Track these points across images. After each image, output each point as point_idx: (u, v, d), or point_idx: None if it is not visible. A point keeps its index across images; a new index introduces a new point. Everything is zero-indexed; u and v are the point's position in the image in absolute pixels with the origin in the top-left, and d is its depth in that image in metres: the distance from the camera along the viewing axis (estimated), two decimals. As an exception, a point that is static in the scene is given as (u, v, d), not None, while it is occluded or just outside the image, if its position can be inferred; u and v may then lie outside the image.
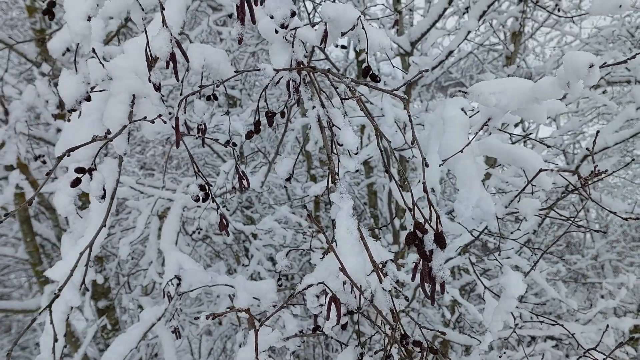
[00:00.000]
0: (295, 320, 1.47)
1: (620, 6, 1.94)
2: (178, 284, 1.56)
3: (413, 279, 1.01)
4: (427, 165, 0.94)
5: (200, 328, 3.67)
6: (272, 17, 1.05)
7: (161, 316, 2.02)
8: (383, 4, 3.65)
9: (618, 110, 3.99)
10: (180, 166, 9.04)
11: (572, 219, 1.55)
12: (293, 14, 1.04)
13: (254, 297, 1.51)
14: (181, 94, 1.64)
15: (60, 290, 1.11)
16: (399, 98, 1.01)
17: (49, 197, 4.05)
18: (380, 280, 0.98)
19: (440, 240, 0.84)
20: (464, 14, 2.77)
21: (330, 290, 0.94)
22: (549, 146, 2.04)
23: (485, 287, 1.65)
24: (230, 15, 1.90)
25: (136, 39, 1.50)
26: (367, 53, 1.08)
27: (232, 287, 1.55)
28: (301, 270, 6.10)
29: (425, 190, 0.90)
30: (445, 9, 2.62)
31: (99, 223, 1.28)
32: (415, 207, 0.89)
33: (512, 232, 2.64)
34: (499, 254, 1.72)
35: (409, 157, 1.73)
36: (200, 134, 1.41)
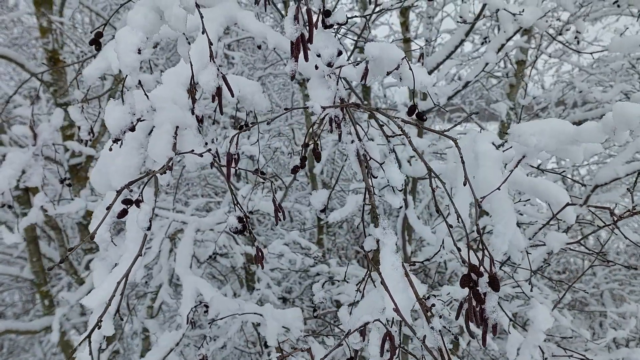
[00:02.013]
0: (324, 350, 1.47)
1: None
2: (205, 311, 1.56)
3: (457, 317, 1.02)
4: (479, 207, 0.95)
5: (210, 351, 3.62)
6: (319, 56, 1.07)
7: (179, 341, 2.00)
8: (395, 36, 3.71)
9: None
10: (179, 187, 9.03)
11: (599, 253, 1.56)
12: (339, 53, 1.06)
13: (283, 327, 1.51)
14: (214, 123, 1.66)
15: (100, 319, 1.11)
16: (450, 139, 1.03)
17: (56, 217, 4.03)
18: (427, 319, 0.98)
19: (494, 283, 0.85)
20: (482, 43, 2.84)
21: (387, 328, 0.95)
22: (569, 177, 2.06)
23: (511, 320, 1.65)
24: (259, 47, 1.93)
25: (173, 69, 1.53)
26: (413, 91, 1.10)
27: (260, 315, 1.54)
28: (303, 294, 6.05)
29: (478, 231, 0.91)
30: (462, 41, 2.69)
31: (135, 251, 1.28)
32: (471, 249, 0.90)
33: (519, 264, 2.64)
34: (532, 289, 1.73)
35: (435, 187, 1.75)
36: (234, 164, 1.42)
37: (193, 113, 1.12)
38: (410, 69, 1.09)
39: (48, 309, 3.98)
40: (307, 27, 0.98)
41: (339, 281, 1.66)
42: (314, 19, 0.99)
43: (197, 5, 1.06)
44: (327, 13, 1.02)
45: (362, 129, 1.45)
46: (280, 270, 4.75)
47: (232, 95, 1.07)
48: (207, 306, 1.59)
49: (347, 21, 0.99)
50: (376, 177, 1.39)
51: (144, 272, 2.79)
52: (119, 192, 0.96)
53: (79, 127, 1.62)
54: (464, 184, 0.97)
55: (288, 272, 5.60)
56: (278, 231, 6.58)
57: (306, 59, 1.01)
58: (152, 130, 1.40)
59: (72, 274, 4.24)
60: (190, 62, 1.14)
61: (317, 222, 5.79)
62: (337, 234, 7.40)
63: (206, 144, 1.42)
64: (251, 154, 3.42)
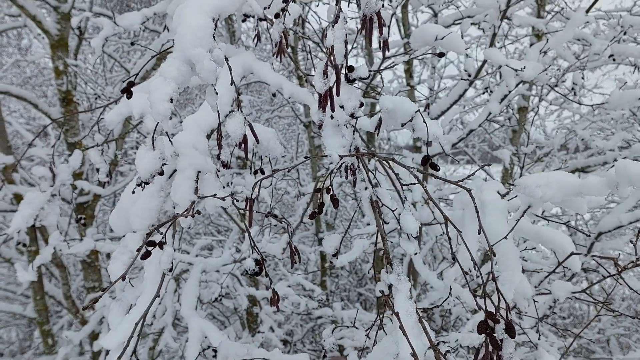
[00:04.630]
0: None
1: (639, 99, 2.08)
2: (214, 356, 1.56)
3: (472, 363, 1.03)
4: (494, 255, 0.99)
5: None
6: (342, 107, 1.13)
7: (185, 385, 1.99)
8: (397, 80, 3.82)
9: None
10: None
11: (604, 303, 1.58)
12: (361, 105, 1.13)
13: (291, 372, 1.51)
14: (228, 167, 1.71)
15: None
16: (465, 189, 1.08)
17: (61, 255, 4.05)
18: (441, 365, 1.00)
19: (510, 330, 0.88)
20: (483, 93, 2.95)
21: (403, 375, 0.97)
22: (573, 227, 2.10)
23: (519, 368, 1.65)
24: (274, 95, 2.01)
25: (193, 116, 1.60)
26: (427, 143, 1.16)
27: (269, 360, 1.55)
28: (305, 336, 5.98)
29: (493, 278, 0.95)
30: (465, 90, 2.78)
31: (153, 292, 1.31)
32: (488, 297, 0.93)
33: (525, 312, 2.63)
34: (540, 337, 1.74)
35: (441, 234, 1.79)
36: (248, 208, 1.47)
37: (219, 158, 1.17)
38: (425, 122, 1.15)
39: (50, 348, 3.94)
40: (335, 82, 1.04)
41: (346, 326, 1.67)
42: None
43: (226, 59, 1.13)
44: (350, 68, 1.09)
45: (374, 175, 1.51)
46: (281, 312, 4.72)
47: (257, 142, 1.13)
48: (215, 350, 1.60)
49: (369, 76, 1.06)
50: (388, 223, 1.43)
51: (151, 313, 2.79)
52: (148, 235, 1.01)
53: (97, 170, 1.68)
54: (479, 232, 1.01)
55: (290, 314, 5.55)
56: (280, 272, 6.56)
57: (332, 109, 1.08)
58: (172, 174, 1.45)
59: (73, 313, 4.22)
60: (218, 111, 1.20)
61: (321, 264, 5.77)
62: (340, 275, 7.37)
63: (224, 187, 1.47)
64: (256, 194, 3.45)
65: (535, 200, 1.38)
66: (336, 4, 1.02)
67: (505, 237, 1.34)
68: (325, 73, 1.03)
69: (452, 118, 2.98)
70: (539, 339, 1.96)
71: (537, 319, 2.00)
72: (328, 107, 1.12)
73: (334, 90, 1.08)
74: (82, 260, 4.46)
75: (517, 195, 1.55)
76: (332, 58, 1.02)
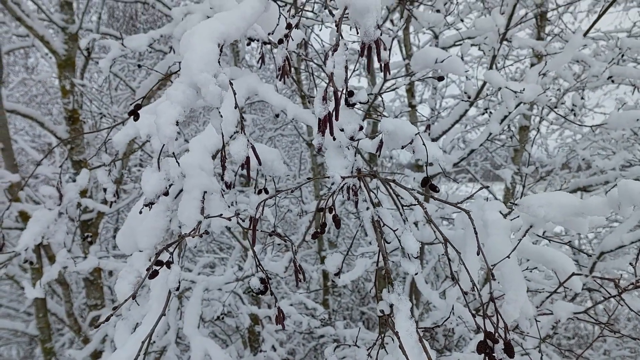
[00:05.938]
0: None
1: (637, 120, 2.11)
2: (218, 374, 1.57)
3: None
4: (493, 276, 1.01)
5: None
6: (342, 130, 1.16)
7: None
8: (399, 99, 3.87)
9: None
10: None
11: (606, 324, 1.59)
12: (361, 128, 1.16)
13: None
14: (229, 186, 1.74)
15: (126, 380, 1.14)
16: (464, 211, 1.11)
17: (64, 273, 4.06)
18: (443, 384, 1.01)
19: (509, 350, 0.90)
20: (483, 113, 2.99)
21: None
22: (575, 247, 2.11)
23: (521, 388, 1.65)
24: (277, 116, 2.05)
25: (198, 137, 1.63)
26: (426, 165, 1.18)
27: (272, 379, 1.56)
28: (307, 355, 5.94)
29: (492, 299, 0.97)
30: (466, 111, 2.83)
31: (159, 311, 1.32)
32: (487, 318, 0.95)
33: (528, 332, 2.63)
34: (542, 357, 1.74)
35: (443, 253, 1.80)
36: (251, 226, 1.49)
37: (222, 179, 1.20)
38: (424, 144, 1.18)
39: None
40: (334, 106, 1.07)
41: (349, 345, 1.67)
42: (339, 99, 1.08)
43: (231, 83, 1.17)
44: (350, 93, 1.12)
45: (375, 195, 1.53)
46: (283, 331, 4.71)
47: (260, 164, 1.15)
48: (220, 367, 1.61)
49: (368, 100, 1.09)
50: (389, 243, 1.45)
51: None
52: (157, 255, 1.03)
53: (104, 189, 1.71)
54: (477, 253, 1.03)
55: (292, 333, 5.52)
56: (282, 290, 6.55)
57: (332, 134, 1.11)
58: (178, 194, 1.48)
59: (76, 330, 4.21)
60: (222, 134, 1.23)
61: (323, 283, 5.76)
62: (342, 294, 7.34)
63: (229, 206, 1.50)
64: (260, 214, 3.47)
65: (537, 220, 1.40)
66: (337, 31, 1.05)
67: (508, 257, 1.36)
68: (324, 99, 1.06)
69: (453, 137, 3.02)
70: (541, 358, 1.96)
71: (539, 339, 2.00)
72: (327, 131, 1.15)
73: (333, 115, 1.11)
74: (85, 277, 4.47)
75: (519, 215, 1.57)
76: (331, 84, 1.05)
